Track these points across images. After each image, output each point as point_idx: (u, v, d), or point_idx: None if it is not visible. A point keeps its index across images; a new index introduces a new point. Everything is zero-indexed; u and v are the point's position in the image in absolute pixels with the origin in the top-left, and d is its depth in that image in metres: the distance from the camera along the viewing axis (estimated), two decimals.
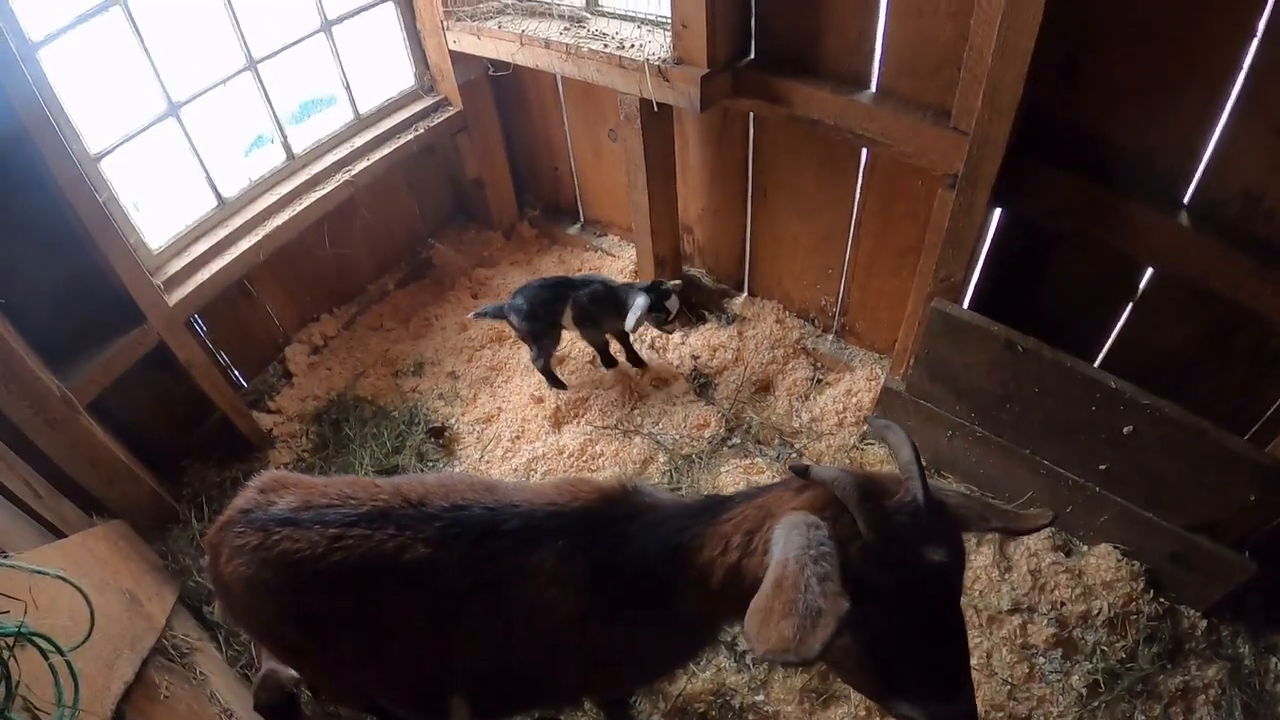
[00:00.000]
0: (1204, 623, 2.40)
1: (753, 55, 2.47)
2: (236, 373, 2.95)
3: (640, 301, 2.63)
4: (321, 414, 2.88)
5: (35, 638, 1.17)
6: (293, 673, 1.99)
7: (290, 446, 2.80)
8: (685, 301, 2.90)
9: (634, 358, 2.92)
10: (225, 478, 2.69)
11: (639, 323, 2.66)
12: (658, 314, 2.69)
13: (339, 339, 3.13)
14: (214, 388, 2.63)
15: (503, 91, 3.26)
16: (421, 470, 2.73)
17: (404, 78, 3.13)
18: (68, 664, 1.22)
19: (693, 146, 2.86)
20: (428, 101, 3.14)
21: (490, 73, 3.12)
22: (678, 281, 2.86)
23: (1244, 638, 2.43)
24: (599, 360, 2.92)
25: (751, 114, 2.64)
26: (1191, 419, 2.08)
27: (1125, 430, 2.17)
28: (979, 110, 1.97)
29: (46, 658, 1.21)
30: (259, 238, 2.65)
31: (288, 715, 1.96)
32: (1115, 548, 2.42)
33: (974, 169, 2.06)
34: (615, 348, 2.93)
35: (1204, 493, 2.19)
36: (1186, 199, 2.02)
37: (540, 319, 2.73)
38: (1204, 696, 2.28)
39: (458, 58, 3.00)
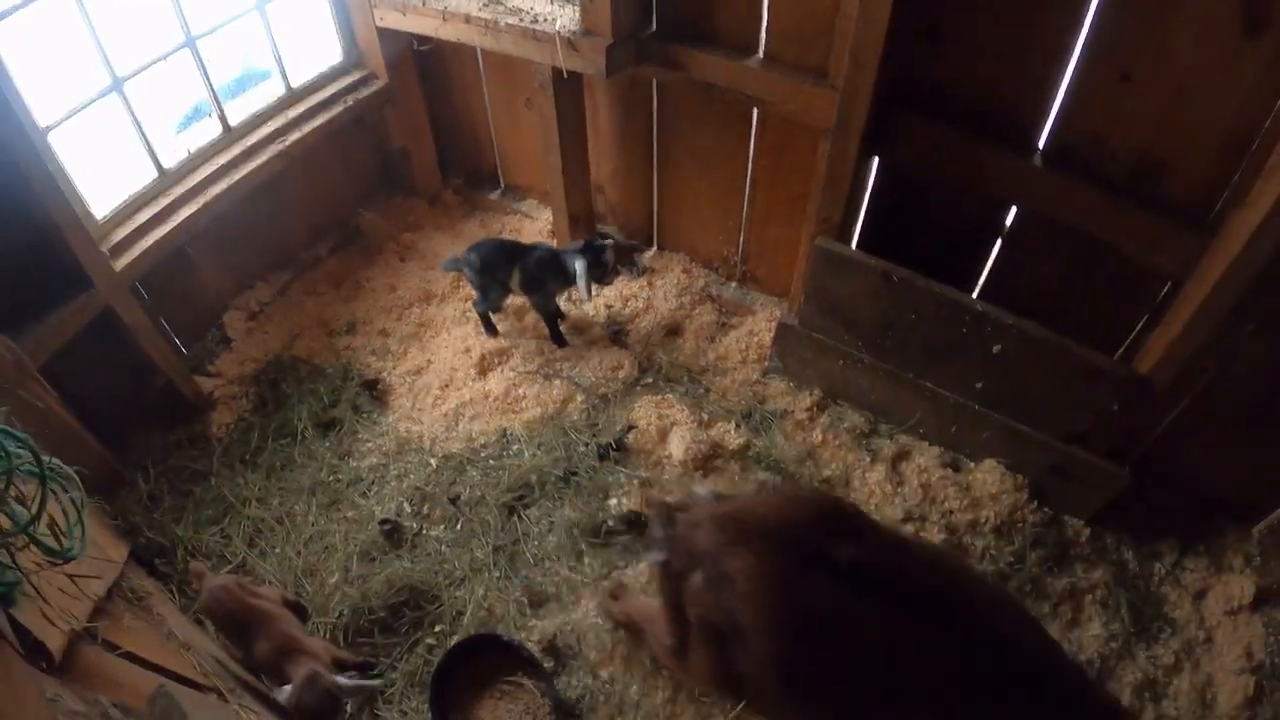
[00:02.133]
0: (1088, 530, 2.89)
1: (654, 27, 2.92)
2: (177, 340, 3.30)
3: (579, 267, 3.05)
4: (260, 375, 3.29)
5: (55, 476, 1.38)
6: (342, 679, 2.16)
7: (231, 407, 3.20)
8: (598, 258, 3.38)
9: (557, 337, 3.34)
10: (169, 440, 3.07)
11: (589, 287, 3.08)
12: (596, 269, 3.10)
13: (274, 304, 3.57)
14: (158, 352, 3.00)
15: (427, 65, 3.69)
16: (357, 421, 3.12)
17: (333, 53, 3.53)
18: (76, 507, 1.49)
19: (603, 112, 3.33)
20: (356, 76, 3.55)
21: (415, 47, 3.53)
22: (610, 238, 3.30)
23: (1127, 545, 2.91)
24: (549, 334, 3.31)
25: (654, 80, 3.11)
26: (1052, 336, 2.56)
27: (995, 349, 2.63)
28: (846, 67, 2.42)
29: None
30: (198, 206, 3.02)
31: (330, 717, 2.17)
32: (999, 462, 2.90)
33: (845, 119, 2.52)
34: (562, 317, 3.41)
35: (1072, 405, 2.66)
36: (1041, 144, 2.48)
37: (488, 275, 3.18)
38: (1091, 596, 2.77)
39: (384, 34, 3.41)
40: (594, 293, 3.38)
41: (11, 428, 1.24)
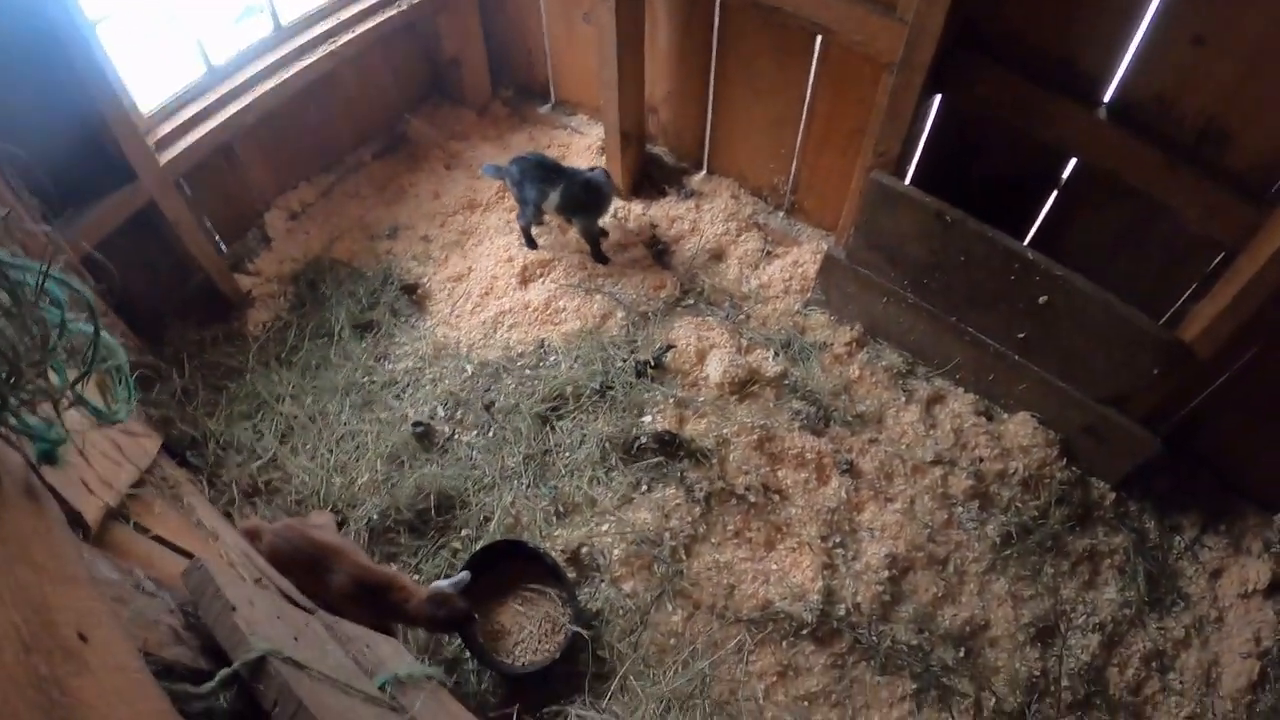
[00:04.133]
0: (1112, 495, 3.14)
1: None
2: (218, 237, 3.56)
3: (553, 198, 3.33)
4: (299, 275, 3.56)
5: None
6: (444, 585, 2.38)
7: (268, 306, 3.48)
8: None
9: (598, 254, 3.61)
10: (204, 336, 3.32)
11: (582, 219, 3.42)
12: (588, 202, 3.36)
13: (316, 205, 3.84)
14: (199, 248, 3.23)
15: None
16: (394, 325, 3.39)
17: None
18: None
19: (662, 30, 3.52)
20: None
21: None
22: (596, 168, 3.47)
23: (1150, 515, 3.17)
24: (590, 252, 3.59)
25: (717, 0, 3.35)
26: (1099, 291, 2.77)
27: (1041, 300, 2.85)
28: (917, 1, 2.62)
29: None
30: (245, 104, 3.25)
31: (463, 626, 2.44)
32: (1033, 415, 3.14)
33: (911, 54, 2.71)
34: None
35: (1112, 366, 2.88)
36: (1106, 99, 2.68)
37: (525, 190, 3.43)
38: (1109, 561, 3.03)
39: None
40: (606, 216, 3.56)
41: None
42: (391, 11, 3.69)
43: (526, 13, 4.00)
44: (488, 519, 2.89)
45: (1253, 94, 2.40)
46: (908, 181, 3.16)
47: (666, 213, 3.79)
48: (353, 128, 4.05)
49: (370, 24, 3.62)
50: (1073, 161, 2.92)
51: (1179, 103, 2.54)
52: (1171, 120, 2.58)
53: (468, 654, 2.64)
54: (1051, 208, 3.06)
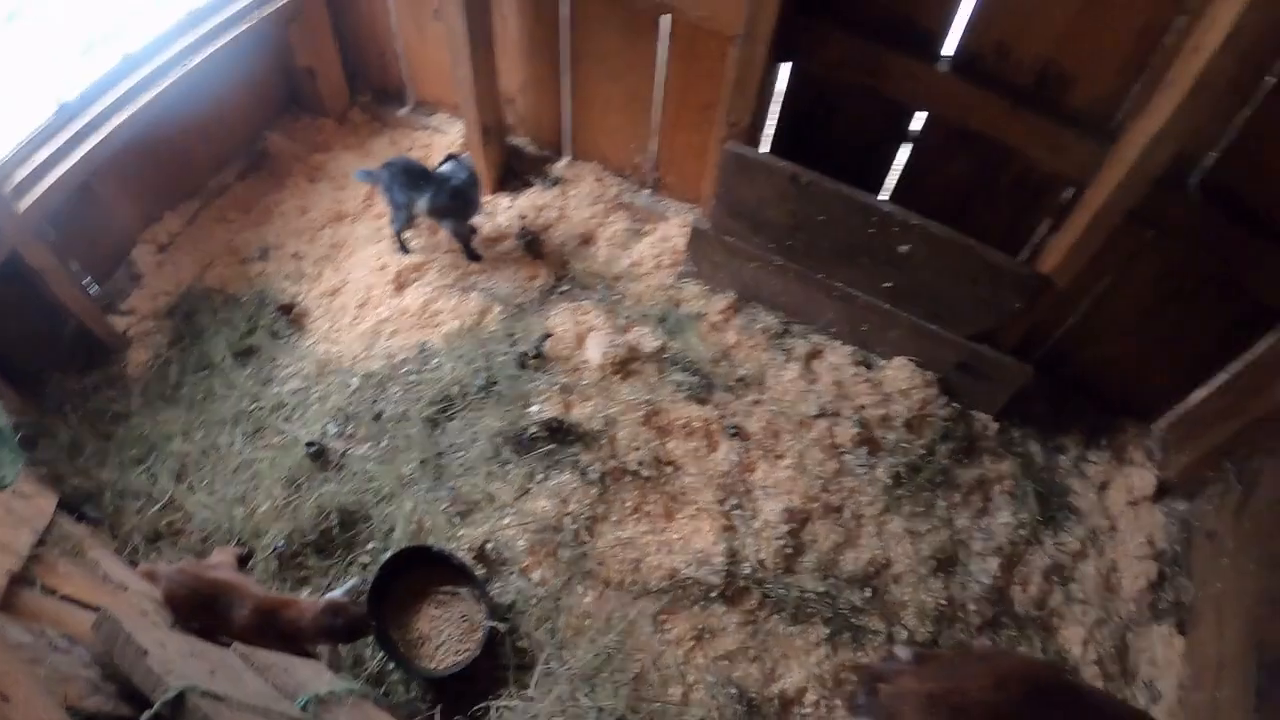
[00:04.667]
0: (995, 425, 3.44)
1: None
2: (88, 279, 3.65)
3: (421, 205, 3.56)
4: (174, 309, 3.68)
5: None
6: (336, 594, 2.74)
7: (147, 344, 3.58)
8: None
9: (470, 252, 3.82)
10: (85, 384, 3.43)
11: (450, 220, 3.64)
12: (454, 202, 3.57)
13: (184, 235, 3.96)
14: (69, 294, 3.30)
15: None
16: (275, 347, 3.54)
17: None
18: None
19: (511, 21, 3.70)
20: None
21: None
22: (454, 155, 3.64)
23: (1033, 439, 3.49)
24: (463, 251, 3.81)
25: None
26: (957, 235, 3.04)
27: (901, 249, 3.12)
28: None
29: None
30: (100, 138, 3.30)
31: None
32: (909, 359, 3.43)
33: (752, 25, 2.93)
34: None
35: (977, 304, 3.17)
36: (949, 52, 2.94)
37: (396, 195, 3.61)
38: (999, 487, 3.33)
39: None
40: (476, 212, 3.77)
41: None
42: (241, 28, 3.79)
43: (376, 15, 4.15)
44: (391, 530, 3.06)
45: (1087, 36, 2.69)
46: (766, 148, 3.42)
47: (533, 202, 4.02)
48: (213, 150, 4.16)
49: (220, 42, 3.73)
50: (921, 115, 3.20)
51: (1016, 50, 2.83)
52: (1011, 67, 2.87)
53: (391, 664, 2.81)
54: (908, 160, 3.35)
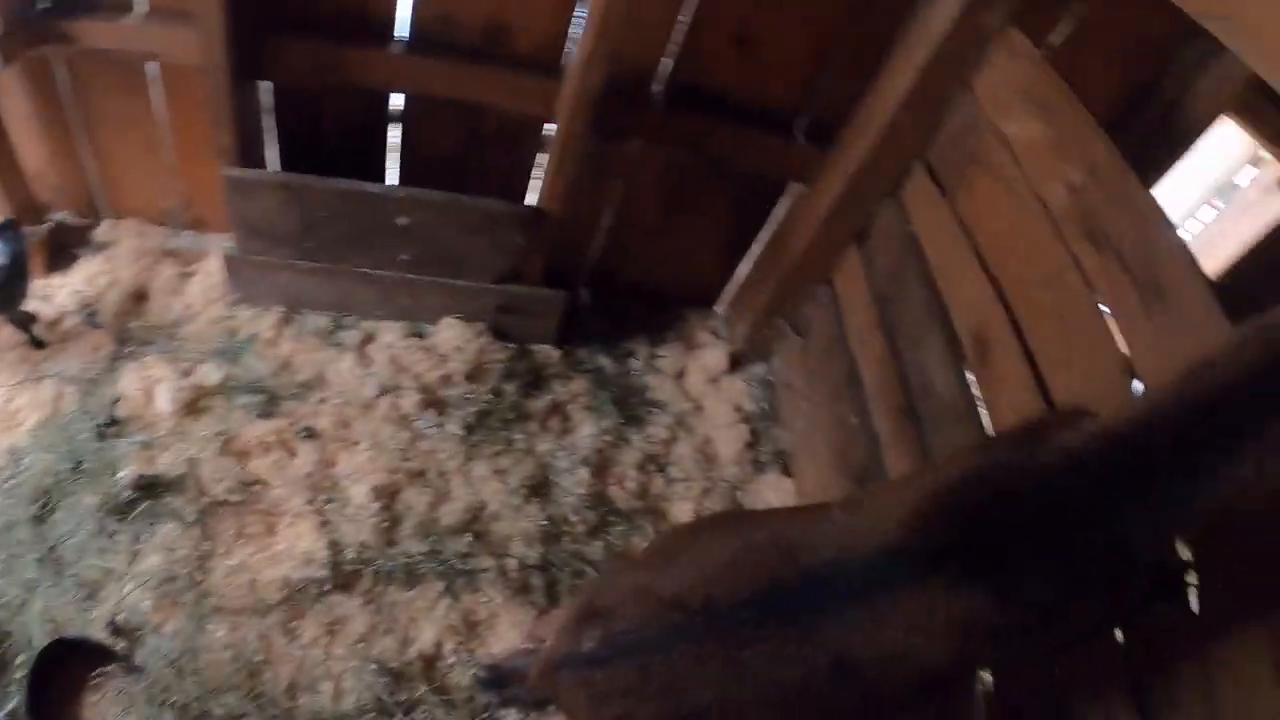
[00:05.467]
0: (557, 353, 3.99)
1: (46, 2, 3.62)
2: None
3: None
4: None
5: None
6: None
7: None
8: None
9: (34, 340, 4.07)
10: None
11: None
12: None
13: None
14: None
15: None
16: None
17: None
18: None
19: (15, 101, 4.01)
20: None
21: None
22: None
23: (600, 353, 4.05)
24: (27, 340, 4.11)
25: (55, 57, 3.82)
26: (443, 195, 3.57)
27: (400, 222, 3.64)
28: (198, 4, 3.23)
29: None
30: None
31: None
32: (455, 318, 3.94)
33: (208, 55, 3.37)
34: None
35: (488, 250, 3.72)
36: (405, 35, 3.54)
37: None
38: (575, 404, 3.87)
39: None
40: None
41: None
42: None
43: None
44: (31, 639, 3.36)
45: None
46: (277, 165, 3.93)
47: (86, 273, 4.37)
48: None
49: None
50: (397, 97, 3.79)
51: (459, 16, 3.40)
52: (459, 31, 3.43)
53: None
54: (401, 140, 3.93)
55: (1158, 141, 4.07)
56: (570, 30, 3.58)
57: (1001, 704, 2.84)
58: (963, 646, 1.73)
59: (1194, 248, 2.38)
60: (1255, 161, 6.56)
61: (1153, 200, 2.53)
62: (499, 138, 3.89)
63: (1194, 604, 2.32)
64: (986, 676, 2.95)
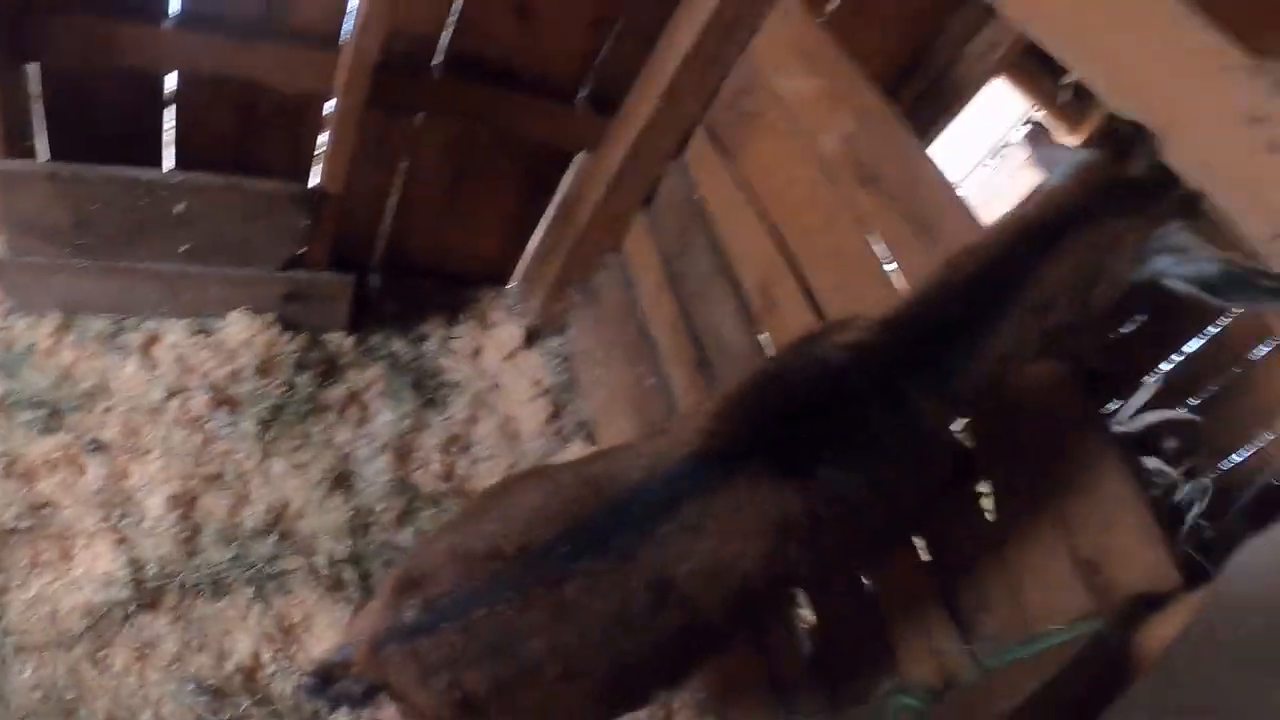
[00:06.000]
0: (350, 339, 4.11)
1: None
2: None
3: None
4: None
5: None
6: None
7: None
8: None
9: None
10: None
11: None
12: None
13: None
14: None
15: None
16: None
17: None
18: None
19: None
20: None
21: None
22: None
23: (394, 338, 4.22)
24: None
25: None
26: (219, 179, 3.63)
27: (177, 210, 3.66)
28: None
29: None
30: None
31: None
32: (242, 311, 4.02)
33: None
34: None
35: (270, 235, 3.79)
36: (176, 9, 3.51)
37: None
38: (372, 391, 4.03)
39: None
40: None
41: None
42: None
43: None
44: None
45: None
46: (48, 155, 3.89)
47: None
48: None
49: None
50: (171, 76, 3.77)
51: None
52: (232, 4, 3.51)
53: None
54: (176, 122, 3.95)
55: (932, 103, 4.74)
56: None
57: (823, 625, 3.30)
58: (777, 547, 1.90)
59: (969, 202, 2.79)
60: (1028, 121, 7.48)
61: (916, 142, 3.04)
62: (278, 117, 3.97)
63: (990, 514, 2.78)
64: (807, 614, 3.40)
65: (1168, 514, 2.79)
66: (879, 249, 3.12)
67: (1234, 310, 1.97)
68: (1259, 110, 2.08)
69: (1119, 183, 2.02)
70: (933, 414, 1.95)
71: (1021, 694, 2.03)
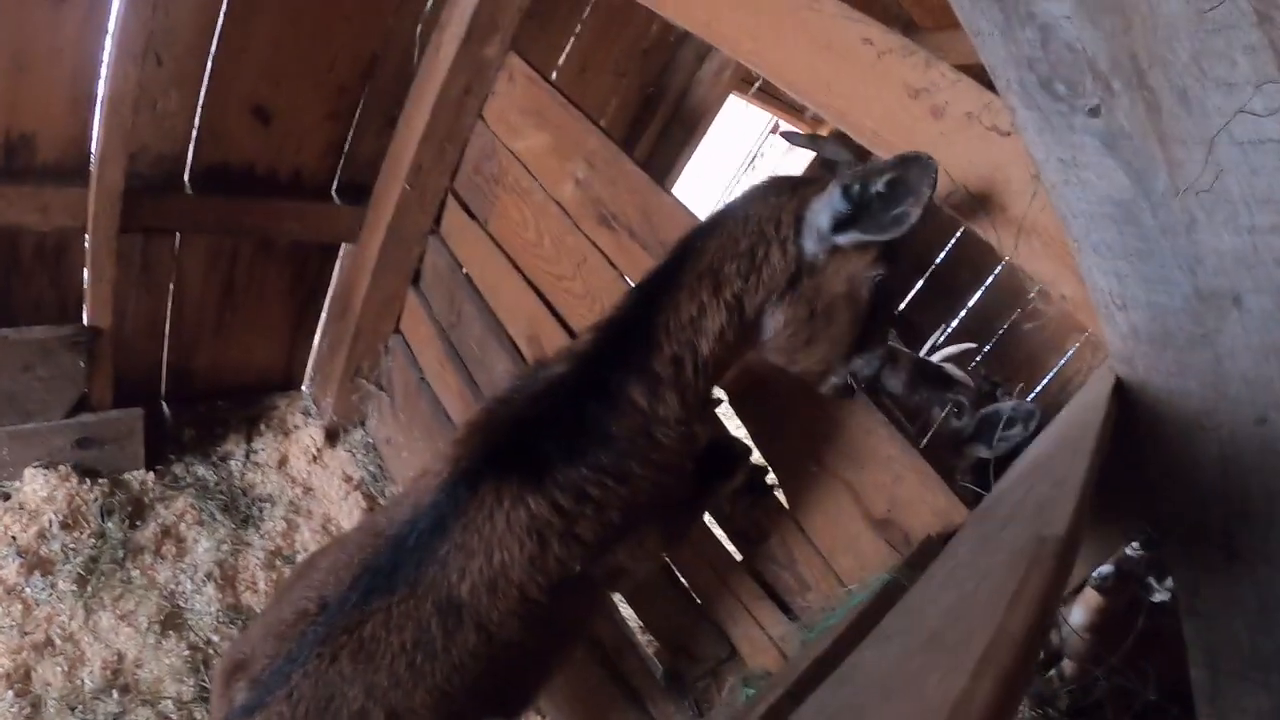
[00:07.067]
0: (151, 475, 4.12)
1: None
2: None
3: None
4: None
5: None
6: None
7: None
8: None
9: None
10: None
11: None
12: None
13: None
14: None
15: None
16: None
17: None
18: None
19: None
20: None
21: None
22: None
23: (198, 464, 4.35)
24: None
25: None
26: None
27: None
28: None
29: None
30: None
31: None
32: (35, 467, 3.99)
33: None
34: None
35: (49, 383, 3.78)
36: None
37: None
38: (184, 523, 4.04)
39: None
40: None
41: None
42: None
43: None
44: None
45: (34, 98, 3.37)
46: None
47: None
48: None
49: None
50: None
51: None
52: None
53: None
54: None
55: (678, 129, 5.18)
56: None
57: (661, 637, 3.60)
58: (539, 548, 2.09)
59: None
60: (775, 130, 8.17)
61: (642, 173, 3.35)
62: (40, 258, 3.93)
63: (783, 498, 3.11)
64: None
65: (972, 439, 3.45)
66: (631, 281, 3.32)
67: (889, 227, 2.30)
68: (919, 83, 2.48)
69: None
70: (642, 395, 2.16)
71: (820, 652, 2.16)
